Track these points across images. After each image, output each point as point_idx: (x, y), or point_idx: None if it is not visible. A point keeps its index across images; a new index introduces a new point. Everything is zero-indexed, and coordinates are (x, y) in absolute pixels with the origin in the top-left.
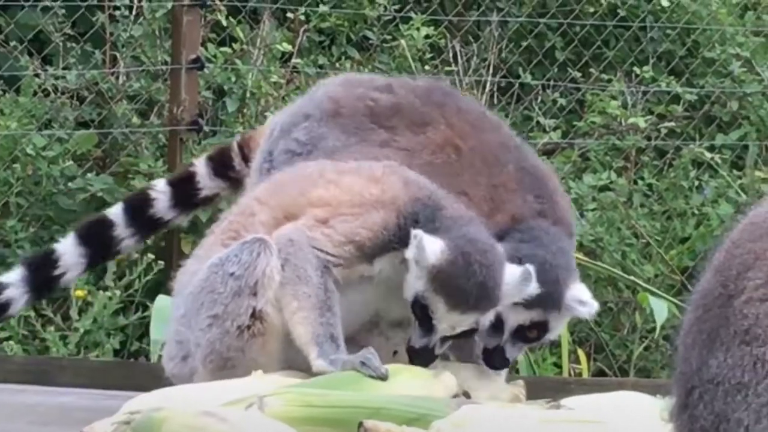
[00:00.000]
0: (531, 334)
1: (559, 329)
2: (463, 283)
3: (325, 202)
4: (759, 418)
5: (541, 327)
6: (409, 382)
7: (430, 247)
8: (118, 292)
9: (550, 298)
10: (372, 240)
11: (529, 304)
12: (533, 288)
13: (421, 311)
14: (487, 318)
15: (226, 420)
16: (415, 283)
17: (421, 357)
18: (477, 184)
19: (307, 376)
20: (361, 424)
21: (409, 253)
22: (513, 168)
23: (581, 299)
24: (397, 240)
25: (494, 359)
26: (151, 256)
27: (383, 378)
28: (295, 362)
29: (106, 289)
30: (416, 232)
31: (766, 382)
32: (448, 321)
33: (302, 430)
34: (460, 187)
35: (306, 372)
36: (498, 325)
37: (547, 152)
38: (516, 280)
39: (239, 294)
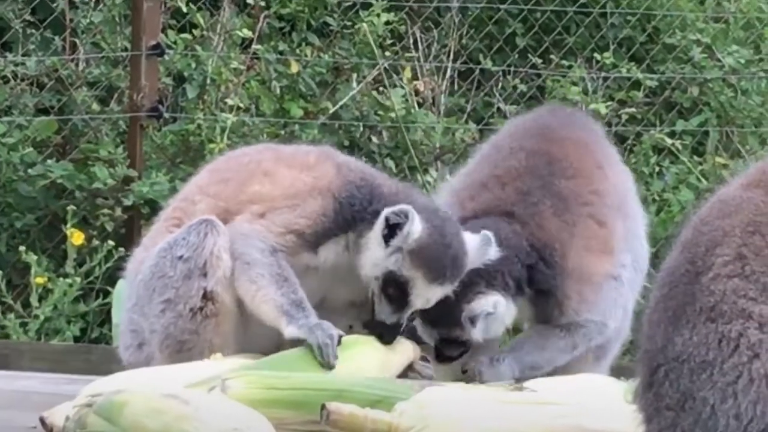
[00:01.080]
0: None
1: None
2: (442, 255)
3: (261, 198)
4: (725, 397)
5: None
6: (369, 354)
7: (417, 222)
8: (78, 279)
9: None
10: (312, 227)
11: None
12: (493, 252)
13: (396, 288)
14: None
15: (188, 402)
16: (387, 260)
17: (391, 332)
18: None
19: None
20: (323, 407)
21: (380, 227)
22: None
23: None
24: (337, 226)
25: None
26: (111, 243)
27: (329, 368)
28: (251, 345)
29: (66, 276)
30: (406, 207)
31: (731, 361)
32: (426, 294)
33: (265, 412)
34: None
35: (264, 354)
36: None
37: None
38: (477, 245)
39: (189, 276)
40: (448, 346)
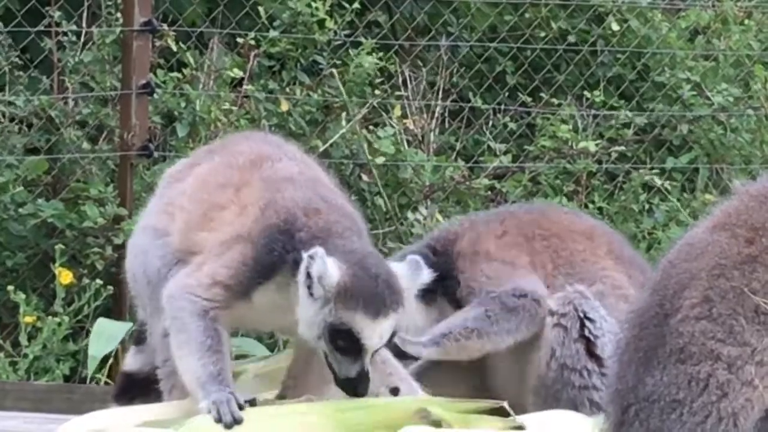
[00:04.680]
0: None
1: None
2: (372, 288)
3: (203, 246)
4: None
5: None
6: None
7: (332, 266)
8: (67, 318)
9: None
10: (234, 277)
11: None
12: (426, 275)
13: (344, 338)
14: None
15: None
16: (321, 314)
17: (361, 383)
18: None
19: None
20: None
21: (304, 273)
22: None
23: None
24: (259, 274)
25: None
26: (99, 281)
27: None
28: None
29: (55, 314)
30: (313, 252)
31: (701, 400)
32: (375, 333)
33: None
34: None
35: None
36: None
37: (498, 176)
38: (407, 272)
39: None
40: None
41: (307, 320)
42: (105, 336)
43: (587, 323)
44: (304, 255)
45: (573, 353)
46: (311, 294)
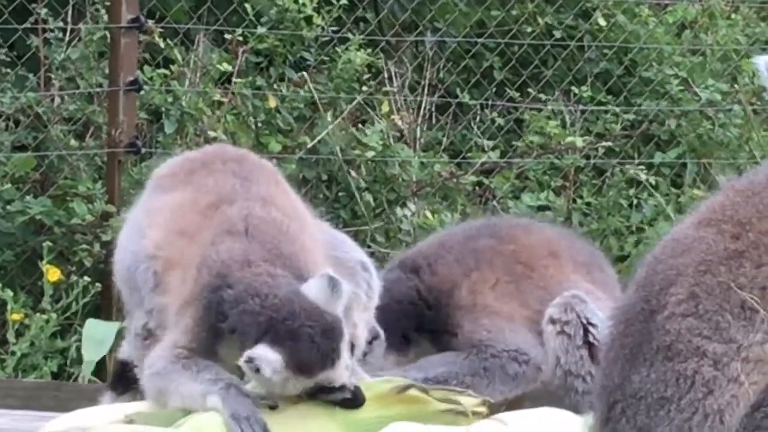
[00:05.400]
0: None
1: None
2: (314, 351)
3: (165, 305)
4: None
5: None
6: None
7: (271, 363)
8: (55, 315)
9: None
10: (195, 341)
11: None
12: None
13: (321, 391)
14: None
15: None
16: (288, 387)
17: (355, 401)
18: None
19: None
20: None
21: (249, 373)
22: None
23: None
24: (214, 331)
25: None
26: (87, 279)
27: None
28: None
29: (43, 312)
30: (251, 356)
31: (688, 397)
32: (339, 378)
33: None
34: None
35: None
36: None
37: (486, 172)
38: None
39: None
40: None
41: (284, 391)
42: (97, 338)
43: (590, 329)
44: (242, 360)
45: (577, 359)
46: (263, 376)
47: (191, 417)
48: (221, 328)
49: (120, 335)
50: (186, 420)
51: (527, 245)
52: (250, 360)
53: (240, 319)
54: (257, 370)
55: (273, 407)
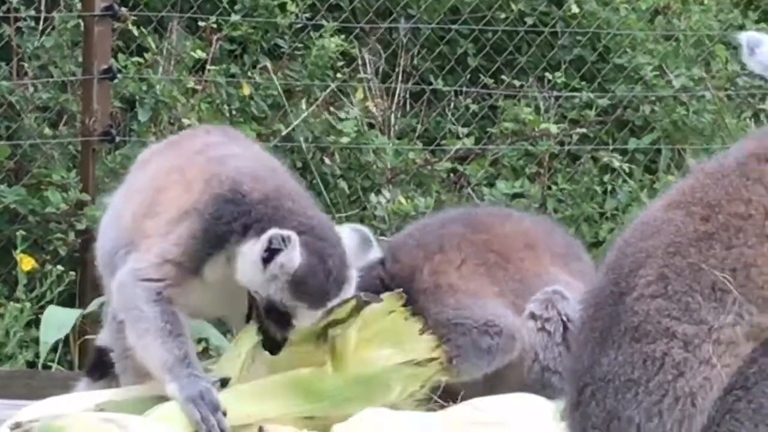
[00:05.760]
0: None
1: None
2: (324, 284)
3: (149, 231)
4: (650, 416)
5: None
6: None
7: (296, 257)
8: (29, 304)
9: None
10: (185, 253)
11: None
12: (375, 252)
13: (278, 314)
14: None
15: (126, 427)
16: (263, 288)
17: (277, 346)
18: None
19: None
20: (260, 429)
21: (261, 247)
22: None
23: None
24: (210, 245)
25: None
26: (60, 267)
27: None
28: None
29: (17, 301)
30: (286, 234)
31: (656, 380)
32: (310, 319)
33: None
34: None
35: None
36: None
37: (460, 159)
38: (356, 246)
39: None
40: None
41: (250, 281)
42: (55, 323)
43: (569, 326)
44: (273, 231)
45: (555, 356)
46: (265, 268)
47: (160, 405)
48: (224, 237)
49: (97, 322)
50: (156, 408)
51: (501, 235)
52: (285, 240)
53: (266, 212)
54: (272, 252)
55: (225, 383)
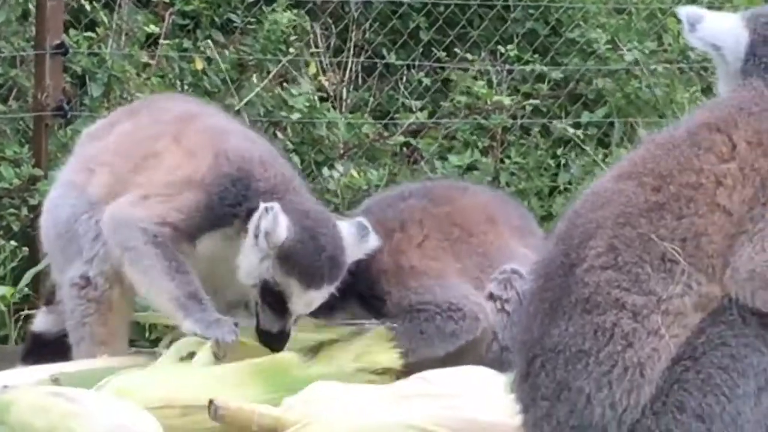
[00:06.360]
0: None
1: None
2: (314, 260)
3: (146, 181)
4: (600, 386)
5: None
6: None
7: (283, 222)
8: None
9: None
10: (185, 222)
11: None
12: (373, 240)
13: (273, 296)
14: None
15: (74, 400)
16: (259, 267)
17: (278, 340)
18: None
19: (153, 359)
20: (211, 402)
21: (255, 224)
22: None
23: None
24: (210, 221)
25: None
26: (14, 243)
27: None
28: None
29: None
30: (269, 205)
31: (606, 350)
32: (304, 300)
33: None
34: None
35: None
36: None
37: (413, 133)
38: (354, 236)
39: (71, 261)
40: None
41: (246, 268)
42: None
43: None
44: (261, 205)
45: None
46: (256, 244)
47: (113, 378)
48: (226, 218)
49: (33, 305)
50: (108, 380)
51: (462, 208)
52: (267, 210)
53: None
54: (258, 226)
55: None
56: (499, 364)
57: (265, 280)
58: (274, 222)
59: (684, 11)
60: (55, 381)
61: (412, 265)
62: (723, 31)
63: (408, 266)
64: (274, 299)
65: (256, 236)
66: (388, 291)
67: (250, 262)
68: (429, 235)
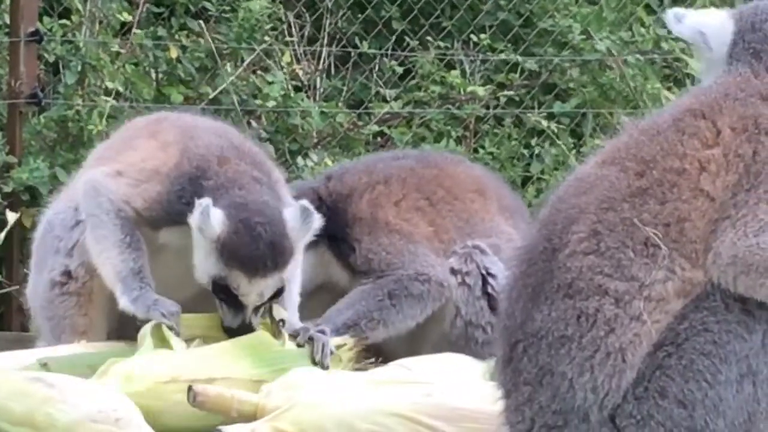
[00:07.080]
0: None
1: None
2: (251, 248)
3: (124, 162)
4: (582, 371)
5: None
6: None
7: (215, 217)
8: None
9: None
10: (148, 211)
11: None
12: (317, 222)
13: (224, 291)
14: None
15: (53, 385)
16: (206, 263)
17: (241, 333)
18: None
19: (133, 345)
20: (190, 388)
21: (194, 221)
22: None
23: None
24: (170, 215)
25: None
26: None
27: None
28: (124, 329)
29: None
30: (201, 201)
31: (589, 336)
32: (253, 291)
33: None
34: None
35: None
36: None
37: (387, 122)
38: (298, 219)
39: (57, 251)
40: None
41: (198, 266)
42: None
43: (489, 279)
44: (196, 202)
45: (477, 310)
46: (199, 241)
47: (113, 364)
48: (183, 214)
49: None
50: (108, 367)
51: (452, 174)
52: (200, 204)
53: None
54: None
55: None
56: (465, 340)
57: (212, 276)
58: (204, 217)
59: (670, 13)
60: (44, 366)
61: (387, 221)
62: (708, 20)
63: (383, 221)
64: (225, 294)
65: (199, 230)
66: (359, 239)
67: (200, 260)
68: (408, 195)
